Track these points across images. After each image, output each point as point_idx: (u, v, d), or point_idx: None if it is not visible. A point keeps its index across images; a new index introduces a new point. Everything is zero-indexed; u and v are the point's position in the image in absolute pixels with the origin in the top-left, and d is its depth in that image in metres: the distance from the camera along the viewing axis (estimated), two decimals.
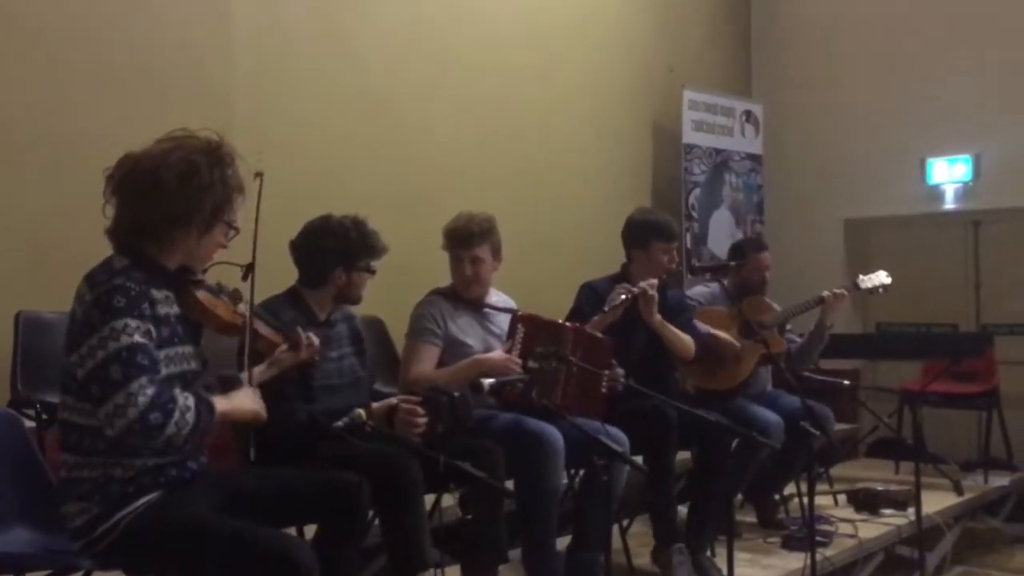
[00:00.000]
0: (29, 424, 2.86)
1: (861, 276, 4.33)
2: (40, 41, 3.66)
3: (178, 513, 2.06)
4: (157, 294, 2.11)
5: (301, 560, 1.98)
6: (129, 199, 2.12)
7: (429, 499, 3.22)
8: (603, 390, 3.35)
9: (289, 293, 2.96)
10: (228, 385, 2.33)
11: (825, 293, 4.22)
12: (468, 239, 3.27)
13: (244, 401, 2.21)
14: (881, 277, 4.33)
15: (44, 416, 3.06)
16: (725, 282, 4.17)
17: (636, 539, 3.87)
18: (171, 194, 2.09)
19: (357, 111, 4.73)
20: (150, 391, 1.97)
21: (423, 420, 2.65)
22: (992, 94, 6.47)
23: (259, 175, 2.31)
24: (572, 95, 5.97)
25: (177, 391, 2.05)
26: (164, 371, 2.06)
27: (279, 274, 3.00)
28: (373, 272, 3.02)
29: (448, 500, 3.26)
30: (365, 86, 4.80)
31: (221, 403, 2.14)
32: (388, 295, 3.54)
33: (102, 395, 1.97)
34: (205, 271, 2.33)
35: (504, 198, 4.28)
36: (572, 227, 5.62)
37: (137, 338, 2.00)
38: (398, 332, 3.71)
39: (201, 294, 2.24)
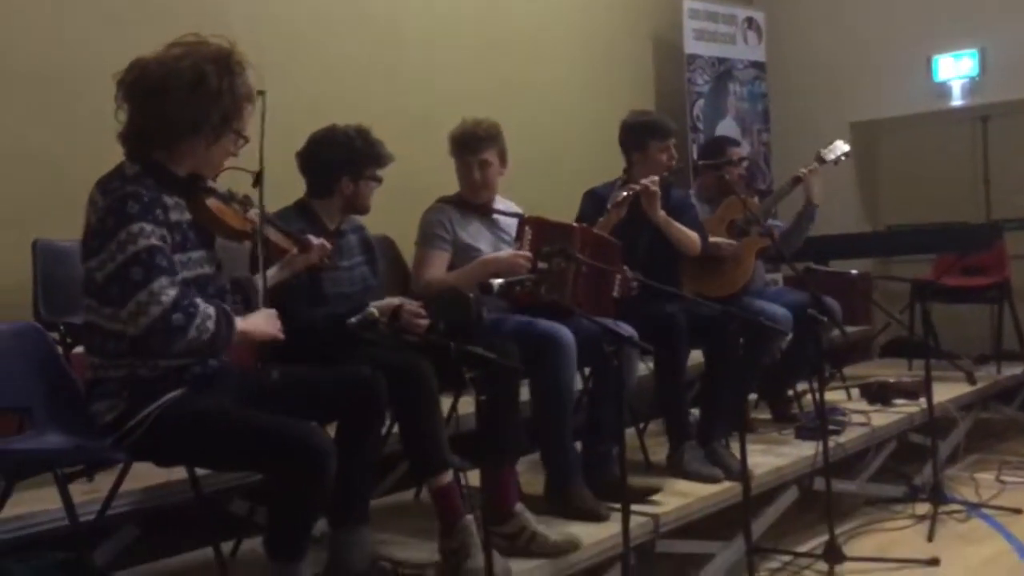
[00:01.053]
0: None
1: (822, 150, 4.32)
2: None
3: (202, 406, 2.14)
4: (169, 200, 2.15)
5: (319, 445, 2.06)
6: (139, 105, 2.15)
7: (446, 407, 3.33)
8: (615, 294, 3.40)
9: (298, 205, 3.01)
10: (241, 287, 2.39)
11: (799, 172, 4.23)
12: (476, 143, 3.29)
13: (261, 323, 2.26)
14: (841, 146, 4.33)
15: (68, 340, 3.15)
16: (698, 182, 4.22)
17: (653, 439, 3.96)
18: (180, 102, 2.12)
19: (353, 30, 4.74)
20: (172, 292, 2.02)
21: (426, 321, 2.71)
22: None
23: (261, 93, 2.33)
24: (570, 9, 5.93)
25: (199, 299, 2.10)
26: (181, 276, 2.11)
27: (287, 188, 3.05)
28: (379, 181, 3.05)
29: (465, 408, 3.36)
30: (362, 6, 4.80)
31: (240, 322, 2.19)
32: (396, 214, 3.59)
33: (123, 295, 2.03)
34: (215, 178, 2.38)
35: (504, 115, 4.24)
36: (574, 143, 5.63)
37: (154, 241, 2.05)
38: (408, 251, 3.77)
39: (211, 201, 2.28)
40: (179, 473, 2.64)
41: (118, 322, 2.08)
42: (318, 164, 2.98)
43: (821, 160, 4.30)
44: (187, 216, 2.21)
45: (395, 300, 2.78)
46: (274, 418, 2.12)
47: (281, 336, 2.31)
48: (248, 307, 2.41)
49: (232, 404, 2.20)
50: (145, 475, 2.72)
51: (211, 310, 2.10)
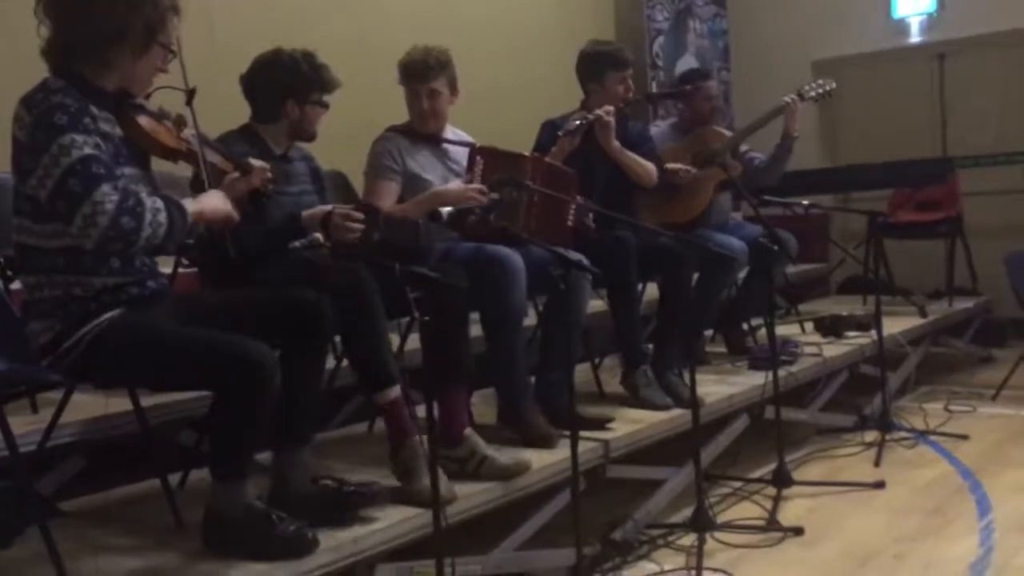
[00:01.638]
0: None
1: (804, 87, 4.30)
2: None
3: (140, 325, 2.11)
4: (97, 112, 2.10)
5: (260, 358, 2.04)
6: (60, 18, 2.10)
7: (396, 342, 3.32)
8: (569, 222, 3.38)
9: (243, 129, 2.95)
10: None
11: (786, 98, 4.21)
12: (424, 72, 3.23)
13: (214, 200, 2.23)
14: (827, 84, 4.30)
15: (9, 272, 3.08)
16: (676, 114, 4.18)
17: (607, 372, 3.99)
18: (101, 11, 2.07)
19: None
20: (115, 197, 1.98)
21: (358, 225, 2.66)
22: None
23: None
24: None
25: (143, 194, 2.06)
26: (122, 182, 2.06)
27: (235, 112, 3.00)
28: (326, 106, 2.99)
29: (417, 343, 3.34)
30: None
31: (191, 204, 2.17)
32: (349, 148, 3.53)
33: (68, 210, 1.98)
34: (148, 96, 2.32)
35: (462, 47, 4.19)
36: (533, 77, 5.55)
37: (87, 150, 2.00)
38: (362, 186, 3.73)
39: (143, 119, 2.22)
40: (125, 404, 2.62)
41: (55, 238, 2.05)
42: (263, 87, 2.92)
43: (801, 97, 4.24)
44: (118, 131, 2.16)
45: (324, 207, 2.73)
46: (213, 333, 2.10)
47: (236, 217, 2.28)
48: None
49: (171, 324, 2.16)
50: (90, 406, 2.70)
51: (159, 202, 2.07)
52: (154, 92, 2.34)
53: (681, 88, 4.24)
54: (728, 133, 4.38)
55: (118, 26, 2.09)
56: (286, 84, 2.89)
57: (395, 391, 2.62)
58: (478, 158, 3.25)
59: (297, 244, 2.42)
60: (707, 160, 4.10)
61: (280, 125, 2.94)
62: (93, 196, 1.96)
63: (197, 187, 2.37)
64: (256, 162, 2.54)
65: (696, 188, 4.10)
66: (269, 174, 2.56)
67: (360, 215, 2.68)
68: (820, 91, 4.27)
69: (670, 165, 3.94)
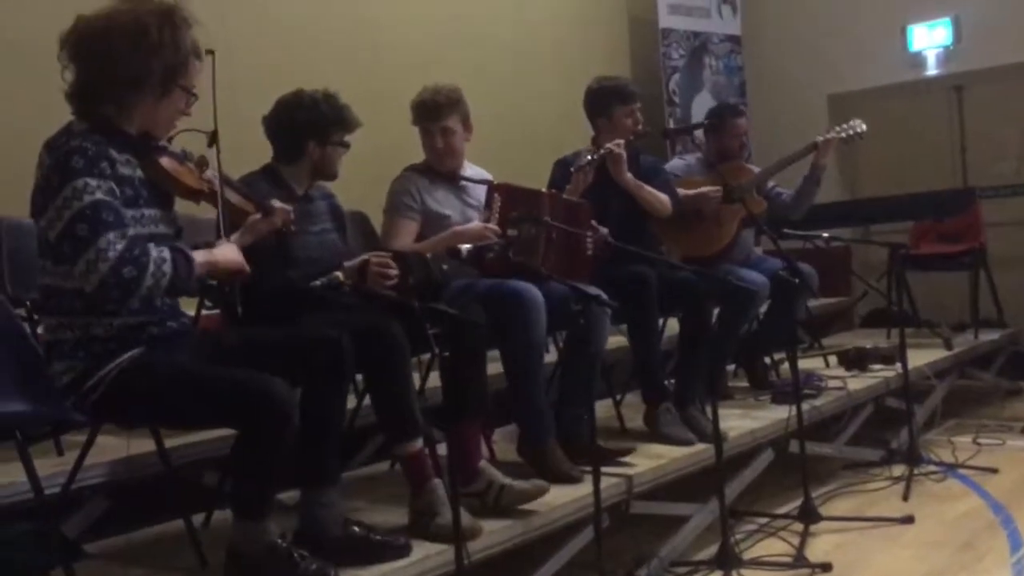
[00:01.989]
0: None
1: (836, 127, 4.35)
2: None
3: (160, 364, 2.13)
4: (117, 155, 2.13)
5: (279, 395, 2.04)
6: (83, 62, 2.14)
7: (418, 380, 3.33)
8: (588, 252, 3.39)
9: (265, 169, 2.99)
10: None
11: (819, 139, 4.25)
12: (436, 110, 3.27)
13: (226, 252, 2.25)
14: (859, 125, 4.34)
15: (35, 316, 3.12)
16: (700, 153, 4.21)
17: (629, 408, 3.96)
18: (122, 55, 2.11)
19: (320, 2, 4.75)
20: (119, 246, 2.01)
21: (394, 272, 2.68)
22: None
23: (211, 52, 2.32)
24: None
25: (150, 245, 2.09)
26: (132, 230, 2.09)
27: (255, 153, 3.04)
28: (347, 146, 3.04)
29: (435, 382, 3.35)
30: None
31: (201, 255, 2.19)
32: (369, 189, 3.57)
33: (73, 254, 2.02)
34: (171, 139, 2.36)
35: (477, 91, 4.26)
36: (549, 116, 5.61)
37: (99, 196, 2.03)
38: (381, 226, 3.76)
39: (165, 160, 2.26)
40: (148, 445, 2.63)
41: (72, 280, 2.07)
42: (285, 128, 2.96)
43: (837, 133, 4.29)
44: (139, 173, 2.20)
45: (363, 256, 2.76)
46: (232, 371, 2.11)
47: (247, 269, 2.30)
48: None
49: (191, 362, 2.18)
50: (115, 447, 2.72)
51: (165, 253, 2.09)
52: (177, 134, 2.39)
53: (697, 123, 4.26)
54: (755, 169, 4.39)
55: (139, 70, 2.14)
56: (308, 125, 2.94)
57: (418, 443, 2.61)
58: (496, 195, 3.28)
59: (317, 283, 2.43)
60: (731, 196, 4.10)
61: (302, 165, 2.98)
62: (98, 242, 2.00)
63: (217, 229, 2.41)
64: (278, 203, 2.58)
65: (720, 221, 4.11)
66: (292, 215, 2.59)
67: (394, 267, 2.71)
68: (852, 132, 4.31)
69: (700, 189, 3.95)
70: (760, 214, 4.11)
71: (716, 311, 3.96)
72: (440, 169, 3.36)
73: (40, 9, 3.64)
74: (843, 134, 4.29)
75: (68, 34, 2.15)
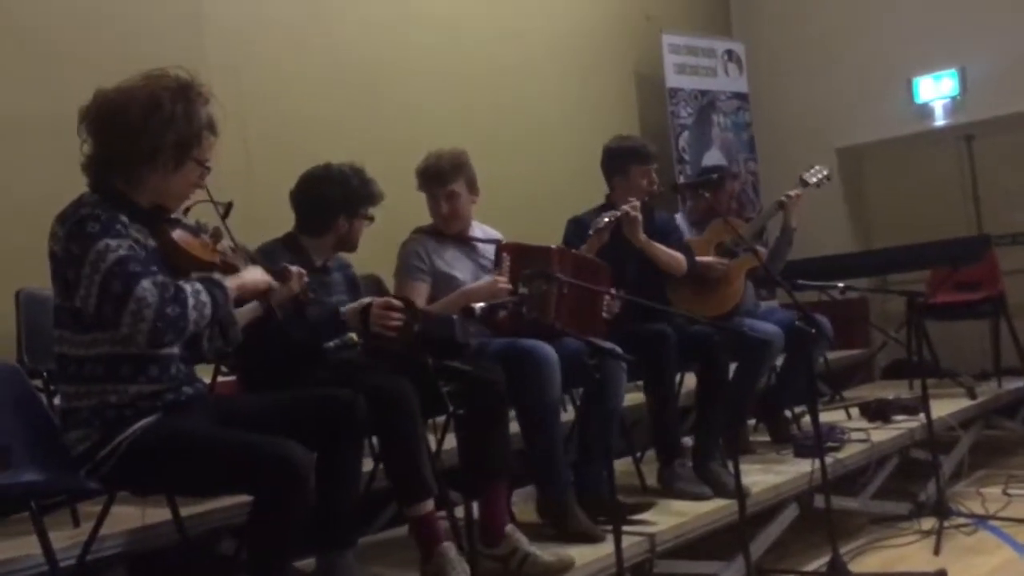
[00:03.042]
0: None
1: (803, 174, 4.38)
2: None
3: (175, 430, 2.13)
4: (129, 223, 2.14)
5: (294, 458, 2.03)
6: (98, 134, 2.18)
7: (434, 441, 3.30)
8: (604, 314, 3.39)
9: (286, 238, 3.02)
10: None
11: (782, 197, 4.29)
12: (440, 176, 3.30)
13: (254, 274, 2.32)
14: (820, 169, 4.40)
15: (52, 387, 3.14)
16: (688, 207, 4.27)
17: (649, 465, 3.91)
18: (136, 128, 2.14)
19: (333, 69, 4.87)
20: (156, 291, 2.03)
21: (397, 315, 2.68)
22: (971, 5, 6.46)
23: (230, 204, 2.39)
24: (550, 49, 6.03)
25: (180, 282, 2.12)
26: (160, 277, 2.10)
27: (272, 221, 3.08)
28: (372, 219, 3.08)
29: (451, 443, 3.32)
30: (339, 41, 4.95)
31: (231, 280, 2.24)
32: (383, 253, 3.59)
33: (115, 311, 2.02)
34: (187, 211, 2.39)
35: (488, 154, 4.33)
36: (560, 177, 5.64)
37: (122, 252, 2.05)
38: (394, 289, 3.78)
39: (176, 232, 2.27)
40: (165, 514, 2.62)
41: (94, 346, 2.09)
42: (314, 202, 2.99)
43: (804, 183, 4.35)
44: (151, 243, 2.21)
45: (364, 300, 2.76)
46: (247, 435, 2.10)
47: (274, 285, 2.36)
48: (226, 339, 2.40)
49: (205, 426, 2.17)
50: (131, 517, 2.70)
51: (197, 285, 2.12)
52: (193, 206, 2.41)
53: (708, 178, 4.28)
54: (743, 224, 4.40)
55: (152, 143, 2.16)
56: (339, 199, 2.97)
57: (428, 505, 2.59)
58: (504, 254, 3.28)
59: (331, 345, 2.44)
60: (731, 251, 4.10)
61: (327, 238, 3.01)
62: (135, 293, 2.01)
63: (238, 302, 2.43)
64: (293, 268, 2.59)
65: (729, 279, 4.09)
66: (306, 278, 2.60)
67: (399, 304, 2.70)
68: (819, 177, 4.35)
69: (704, 259, 3.96)
70: (757, 268, 4.10)
71: (733, 366, 3.94)
72: (447, 232, 3.38)
73: (53, 85, 3.76)
74: (813, 179, 4.33)
75: (87, 107, 2.19)
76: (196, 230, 2.36)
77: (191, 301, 2.07)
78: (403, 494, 2.62)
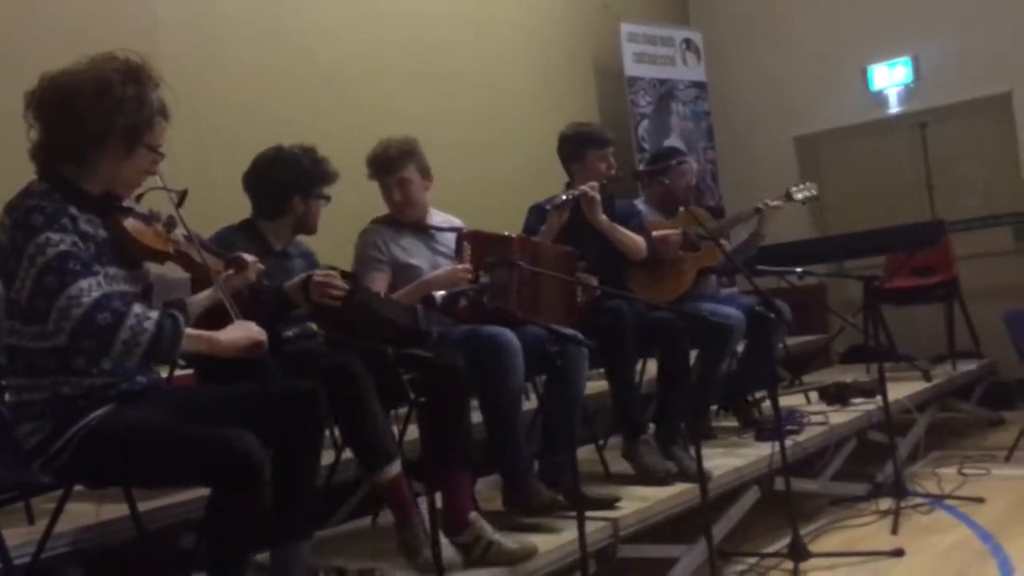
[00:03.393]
0: None
1: (792, 188, 4.41)
2: None
3: (129, 421, 2.08)
4: (79, 214, 2.09)
5: (248, 448, 2.00)
6: (45, 118, 2.11)
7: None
8: (577, 298, 3.39)
9: (243, 224, 2.98)
10: (173, 308, 2.33)
11: (760, 204, 4.28)
12: (389, 163, 3.27)
13: (231, 333, 2.17)
14: (811, 188, 4.42)
15: (3, 382, 3.06)
16: (641, 198, 4.29)
17: (613, 452, 3.91)
18: (83, 111, 2.08)
19: (290, 62, 4.82)
20: (96, 293, 1.97)
21: (339, 283, 2.66)
22: None
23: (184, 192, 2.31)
24: (510, 39, 6.02)
25: (136, 302, 2.06)
26: (106, 283, 2.05)
27: (232, 209, 3.03)
28: (328, 199, 3.04)
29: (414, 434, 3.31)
30: (294, 34, 4.89)
31: (203, 333, 2.14)
32: (347, 243, 3.56)
33: (45, 306, 1.97)
34: (140, 198, 2.34)
35: (447, 144, 4.31)
36: (520, 166, 5.63)
37: (63, 248, 2.00)
38: None
39: (128, 221, 2.21)
40: (122, 510, 2.57)
41: (43, 339, 2.03)
42: (268, 184, 2.96)
43: (789, 197, 4.36)
44: (102, 232, 2.15)
45: (303, 275, 2.74)
46: (203, 427, 2.07)
47: (264, 343, 2.22)
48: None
49: (161, 418, 2.13)
50: (87, 514, 2.66)
51: (152, 313, 2.05)
52: (146, 194, 2.37)
53: (666, 164, 4.28)
54: (711, 218, 4.40)
55: (101, 128, 2.10)
56: (292, 180, 2.94)
57: (395, 467, 2.59)
58: (465, 243, 3.27)
59: (290, 334, 2.40)
60: (694, 244, 4.11)
61: (284, 220, 2.98)
62: (68, 290, 1.96)
63: (196, 289, 2.39)
64: (248, 256, 2.55)
65: (680, 269, 4.09)
66: (261, 266, 2.56)
67: (336, 274, 2.69)
68: (805, 195, 4.37)
69: (659, 232, 3.95)
70: (719, 263, 4.12)
71: (695, 352, 3.96)
72: (403, 220, 3.35)
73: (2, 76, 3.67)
74: (800, 195, 4.35)
75: (33, 91, 2.12)
76: (149, 218, 2.31)
77: (129, 320, 1.98)
78: (367, 462, 2.62)
